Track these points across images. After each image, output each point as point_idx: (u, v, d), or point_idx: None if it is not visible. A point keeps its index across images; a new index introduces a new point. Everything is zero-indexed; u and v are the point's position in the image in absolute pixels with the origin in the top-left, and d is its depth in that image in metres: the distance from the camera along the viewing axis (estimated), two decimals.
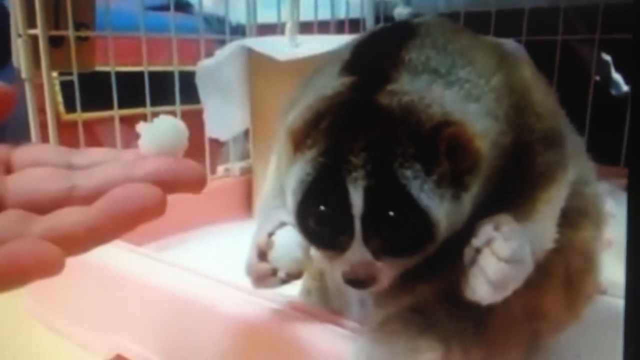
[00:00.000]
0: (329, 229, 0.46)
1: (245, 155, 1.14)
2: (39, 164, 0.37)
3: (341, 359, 0.50)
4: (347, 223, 0.44)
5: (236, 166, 1.11)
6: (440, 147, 0.44)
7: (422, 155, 0.43)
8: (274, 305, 0.57)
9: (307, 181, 0.46)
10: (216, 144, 1.09)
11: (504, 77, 0.50)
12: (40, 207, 0.34)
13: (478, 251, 0.46)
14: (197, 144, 0.99)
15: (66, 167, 0.37)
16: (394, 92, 0.45)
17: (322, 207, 0.45)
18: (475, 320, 0.50)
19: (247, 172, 1.11)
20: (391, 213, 0.43)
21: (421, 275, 0.50)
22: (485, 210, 0.48)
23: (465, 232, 0.47)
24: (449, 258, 0.47)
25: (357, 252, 0.45)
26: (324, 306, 0.60)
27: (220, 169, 1.11)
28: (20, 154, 0.38)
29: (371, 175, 0.43)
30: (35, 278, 0.29)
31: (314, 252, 0.51)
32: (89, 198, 0.34)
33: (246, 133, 1.12)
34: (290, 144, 0.48)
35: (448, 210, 0.44)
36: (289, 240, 0.51)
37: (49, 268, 0.29)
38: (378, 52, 0.51)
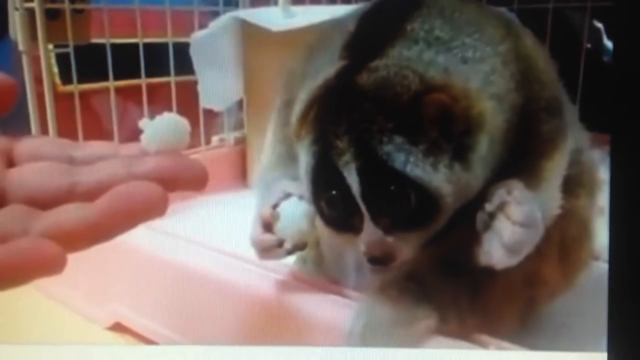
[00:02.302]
0: (340, 213, 0.48)
1: (239, 126, 1.14)
2: (41, 158, 0.37)
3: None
4: (353, 205, 0.46)
5: (230, 136, 1.12)
6: (423, 116, 0.44)
7: (402, 128, 0.44)
8: (274, 275, 0.58)
9: (309, 170, 0.47)
10: (211, 114, 1.09)
11: (511, 45, 0.50)
12: (42, 202, 0.33)
13: (491, 216, 0.46)
14: (191, 114, 1.00)
15: (67, 161, 0.37)
16: (372, 69, 0.46)
17: (327, 194, 0.47)
18: (471, 288, 0.51)
19: (242, 141, 1.12)
20: (384, 189, 0.44)
21: None
22: (497, 176, 0.48)
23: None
24: (446, 224, 0.48)
25: (369, 231, 0.47)
26: (320, 274, 0.61)
27: (215, 139, 1.12)
28: (22, 147, 0.38)
29: (357, 156, 0.44)
30: (37, 277, 0.30)
31: (318, 222, 0.51)
32: (90, 194, 0.33)
33: (240, 103, 1.12)
34: (293, 135, 0.49)
35: (447, 176, 0.45)
36: (295, 212, 0.52)
37: (51, 267, 0.30)
38: (380, 25, 0.51)
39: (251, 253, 0.55)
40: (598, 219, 0.59)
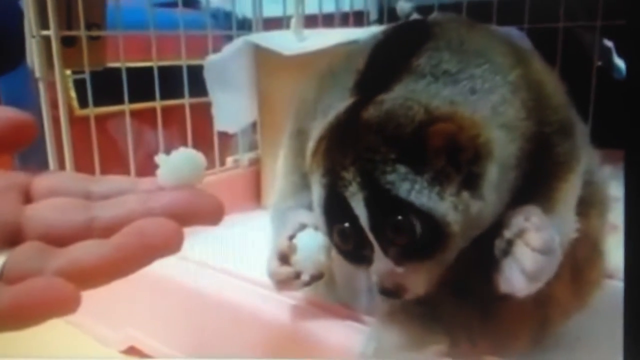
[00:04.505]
0: (352, 245, 0.48)
1: (253, 147, 1.15)
2: (58, 193, 0.37)
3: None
4: (363, 237, 0.46)
5: (245, 157, 1.13)
6: (428, 146, 0.44)
7: (406, 158, 0.44)
8: (287, 299, 0.58)
9: (321, 204, 0.48)
10: (225, 135, 1.10)
11: (520, 72, 0.50)
12: (59, 238, 0.33)
13: (510, 243, 0.46)
14: (206, 136, 1.02)
15: (85, 196, 0.37)
16: (378, 103, 0.46)
17: (339, 226, 0.47)
18: (482, 311, 0.51)
19: (256, 162, 1.12)
20: (390, 218, 0.44)
21: None
22: (512, 201, 0.48)
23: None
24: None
25: (380, 262, 0.47)
26: (332, 298, 0.61)
27: (229, 160, 1.13)
28: (39, 182, 0.38)
29: (363, 187, 0.45)
30: (51, 317, 0.29)
31: (334, 253, 0.51)
32: (107, 230, 0.33)
33: (254, 125, 1.13)
34: (307, 169, 0.49)
35: (455, 205, 0.44)
36: (311, 243, 0.52)
37: (65, 307, 0.29)
38: (389, 61, 0.51)
39: (265, 276, 0.55)
40: (610, 236, 0.58)
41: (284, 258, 0.53)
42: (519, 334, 0.54)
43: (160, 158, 0.37)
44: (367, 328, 0.53)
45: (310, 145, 0.49)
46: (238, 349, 0.59)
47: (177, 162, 0.37)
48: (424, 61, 0.48)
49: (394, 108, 0.45)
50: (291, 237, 0.53)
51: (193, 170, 0.37)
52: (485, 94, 0.47)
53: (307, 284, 0.53)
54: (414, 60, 0.49)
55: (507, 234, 0.47)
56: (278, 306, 0.58)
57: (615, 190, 0.58)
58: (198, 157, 0.38)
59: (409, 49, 0.50)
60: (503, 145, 0.47)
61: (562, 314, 0.57)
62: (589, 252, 0.56)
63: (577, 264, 0.55)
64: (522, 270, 0.46)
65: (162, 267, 0.66)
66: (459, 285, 0.50)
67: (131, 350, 0.69)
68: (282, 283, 0.54)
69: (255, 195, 1.12)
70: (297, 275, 0.52)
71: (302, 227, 0.53)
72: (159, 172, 0.37)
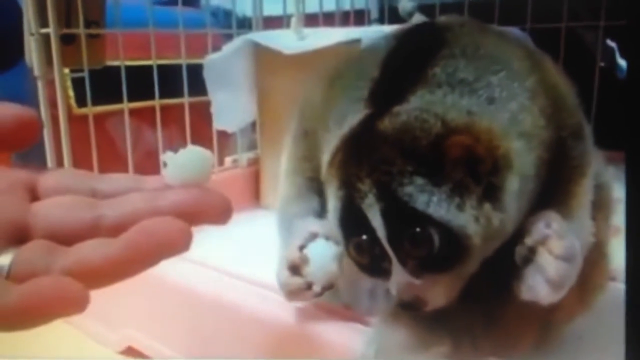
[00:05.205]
0: (370, 259, 0.47)
1: (252, 146, 1.15)
2: (65, 191, 0.36)
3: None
4: (381, 249, 0.45)
5: (244, 157, 1.12)
6: (446, 158, 0.43)
7: (424, 170, 0.44)
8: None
9: (337, 216, 0.47)
10: (224, 135, 1.10)
11: (538, 78, 0.50)
12: (66, 236, 0.33)
13: (531, 250, 0.46)
14: (205, 135, 1.01)
15: (91, 194, 0.37)
16: (394, 114, 0.45)
17: (355, 239, 0.46)
18: (485, 314, 0.51)
19: (255, 162, 1.12)
20: (407, 231, 0.44)
21: None
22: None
23: None
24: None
25: (398, 274, 0.46)
26: (334, 300, 0.60)
27: (228, 160, 1.13)
28: (46, 180, 0.37)
29: (379, 199, 0.44)
30: (59, 316, 0.29)
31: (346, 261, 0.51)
32: (114, 229, 0.33)
33: (253, 124, 1.13)
34: (323, 180, 0.49)
35: (475, 217, 0.44)
36: (324, 254, 0.52)
37: (73, 306, 0.29)
38: (403, 70, 0.50)
39: (264, 277, 0.55)
40: (614, 239, 0.58)
41: (295, 269, 0.52)
42: (521, 337, 0.53)
43: (167, 156, 0.36)
44: (369, 329, 0.52)
45: (326, 157, 0.49)
46: (237, 349, 0.59)
47: (184, 160, 0.36)
48: (439, 70, 0.48)
49: (410, 120, 0.45)
50: (302, 247, 0.53)
51: (201, 169, 0.36)
52: (504, 103, 0.47)
53: (319, 294, 0.52)
54: (429, 69, 0.48)
55: (529, 241, 0.46)
56: (277, 306, 0.57)
57: (617, 192, 0.59)
58: (206, 155, 0.37)
59: (423, 57, 0.49)
60: (522, 155, 0.46)
61: (566, 318, 0.56)
62: (594, 254, 0.55)
63: (583, 268, 0.54)
64: (546, 279, 0.45)
65: (160, 267, 0.66)
66: (462, 288, 0.49)
67: (129, 351, 0.69)
68: (293, 294, 0.53)
69: (254, 195, 1.11)
70: (309, 286, 0.52)
71: (313, 236, 0.53)
72: (166, 170, 0.36)
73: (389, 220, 0.44)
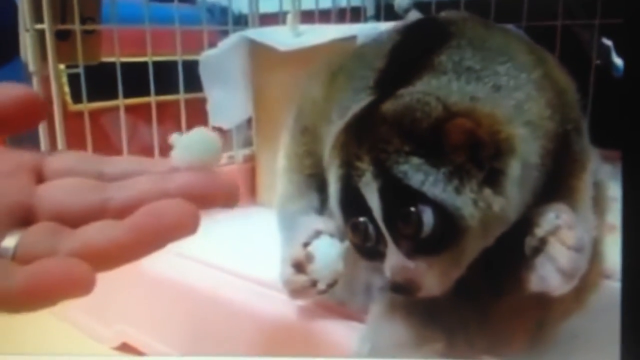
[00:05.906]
0: (366, 240, 0.47)
1: (248, 143, 1.15)
2: (71, 173, 0.36)
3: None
4: (377, 231, 0.45)
5: (239, 153, 1.12)
6: (446, 141, 0.44)
7: (422, 151, 0.44)
8: (282, 297, 0.57)
9: (337, 197, 0.47)
10: (220, 132, 1.09)
11: (544, 71, 0.50)
12: (72, 219, 0.33)
13: (543, 241, 0.46)
14: None
15: (97, 176, 0.36)
16: (397, 97, 0.46)
17: (353, 220, 0.46)
18: (480, 311, 0.51)
19: (251, 159, 1.12)
20: (403, 209, 0.44)
21: None
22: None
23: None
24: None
25: (392, 255, 0.46)
26: (329, 297, 0.59)
27: (224, 156, 1.13)
28: (52, 162, 0.37)
29: (376, 176, 0.44)
30: (66, 297, 0.29)
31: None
32: (121, 211, 0.33)
33: (249, 121, 1.13)
34: (325, 165, 0.49)
35: (474, 201, 0.44)
36: (329, 252, 0.52)
37: (80, 287, 0.29)
38: (411, 58, 0.50)
39: (260, 273, 0.55)
40: (608, 237, 0.58)
41: (299, 266, 0.52)
42: (516, 334, 0.53)
43: (174, 138, 0.36)
44: (363, 327, 0.52)
45: (329, 142, 0.49)
46: (232, 346, 0.59)
47: (191, 142, 0.36)
48: (445, 58, 0.48)
49: (412, 102, 0.45)
50: (306, 245, 0.52)
51: (208, 151, 0.36)
52: (510, 92, 0.47)
53: (323, 292, 0.52)
54: (435, 57, 0.48)
55: (540, 232, 0.47)
56: (272, 303, 0.58)
57: (613, 190, 0.59)
58: (213, 137, 0.37)
59: (429, 47, 0.50)
60: (527, 143, 0.47)
61: (560, 316, 0.57)
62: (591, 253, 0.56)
63: None
64: (558, 269, 0.46)
65: (155, 263, 0.67)
66: (456, 284, 0.49)
67: (124, 347, 0.69)
68: (297, 292, 0.53)
69: (250, 191, 1.11)
70: (314, 284, 0.52)
71: (317, 234, 0.53)
72: (173, 152, 0.36)
73: (385, 198, 0.44)
